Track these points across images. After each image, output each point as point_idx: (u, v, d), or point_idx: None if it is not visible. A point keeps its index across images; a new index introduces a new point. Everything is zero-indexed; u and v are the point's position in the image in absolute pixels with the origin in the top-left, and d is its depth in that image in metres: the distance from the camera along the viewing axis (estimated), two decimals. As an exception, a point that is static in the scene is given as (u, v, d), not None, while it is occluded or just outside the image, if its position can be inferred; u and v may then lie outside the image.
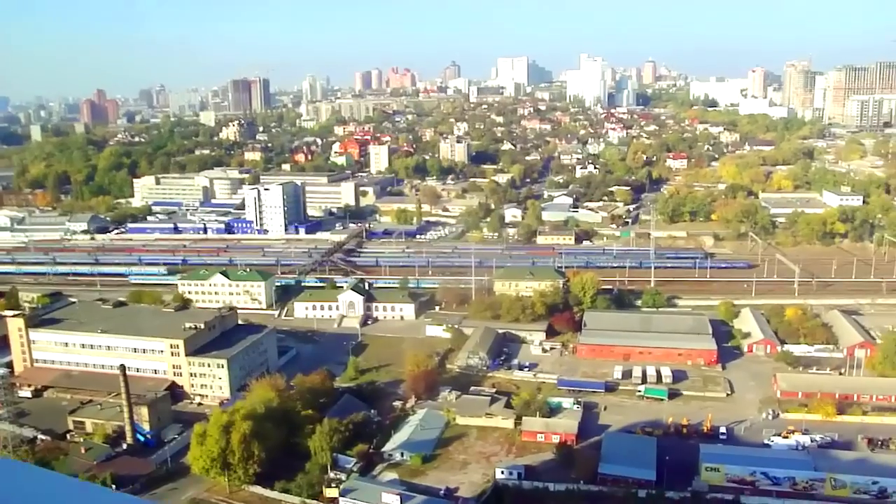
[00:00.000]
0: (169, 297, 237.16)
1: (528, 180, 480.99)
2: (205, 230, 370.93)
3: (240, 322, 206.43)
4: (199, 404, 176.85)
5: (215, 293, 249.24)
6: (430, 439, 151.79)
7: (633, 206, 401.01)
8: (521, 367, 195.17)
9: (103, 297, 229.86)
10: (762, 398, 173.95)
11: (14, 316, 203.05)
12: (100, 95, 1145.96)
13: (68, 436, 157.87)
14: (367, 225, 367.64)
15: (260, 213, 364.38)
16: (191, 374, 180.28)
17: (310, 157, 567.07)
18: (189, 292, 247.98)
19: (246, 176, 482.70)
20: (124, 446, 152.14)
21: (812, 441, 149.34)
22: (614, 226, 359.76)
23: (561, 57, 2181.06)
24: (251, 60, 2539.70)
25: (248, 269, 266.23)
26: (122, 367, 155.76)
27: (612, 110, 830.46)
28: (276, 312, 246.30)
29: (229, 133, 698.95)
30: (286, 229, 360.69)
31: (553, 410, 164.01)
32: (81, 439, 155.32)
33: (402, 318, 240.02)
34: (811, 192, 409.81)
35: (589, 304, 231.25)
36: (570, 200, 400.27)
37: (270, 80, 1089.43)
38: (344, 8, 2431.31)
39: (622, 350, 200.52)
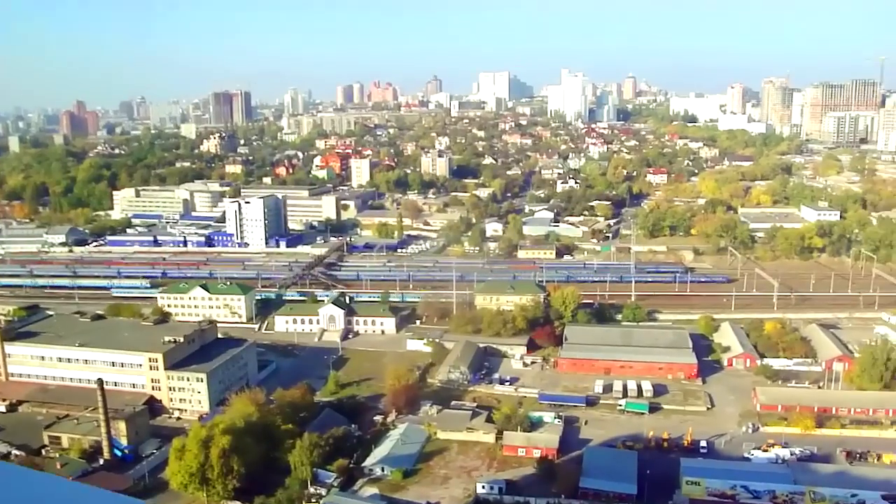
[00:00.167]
0: (148, 311, 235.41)
1: (509, 195, 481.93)
2: (185, 243, 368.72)
3: (220, 336, 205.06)
4: (178, 419, 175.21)
5: (195, 306, 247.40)
6: (410, 454, 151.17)
7: (614, 220, 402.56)
8: (502, 382, 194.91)
9: (81, 311, 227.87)
10: (742, 412, 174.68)
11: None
12: (79, 107, 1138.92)
13: (44, 451, 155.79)
14: (348, 239, 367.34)
15: (241, 226, 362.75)
16: (170, 389, 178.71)
17: (291, 171, 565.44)
18: (168, 305, 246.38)
19: (227, 189, 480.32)
20: (101, 461, 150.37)
21: (792, 454, 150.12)
22: (595, 240, 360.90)
23: (542, 72, 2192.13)
24: (233, 73, 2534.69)
25: (228, 283, 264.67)
26: (100, 381, 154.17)
27: (593, 125, 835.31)
28: (257, 326, 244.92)
29: (210, 146, 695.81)
30: (267, 243, 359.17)
31: (534, 425, 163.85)
32: (57, 455, 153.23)
33: (382, 332, 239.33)
34: (789, 207, 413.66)
35: (570, 318, 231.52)
36: (550, 215, 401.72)
37: (252, 93, 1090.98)
38: (326, 22, 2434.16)
39: (603, 364, 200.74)
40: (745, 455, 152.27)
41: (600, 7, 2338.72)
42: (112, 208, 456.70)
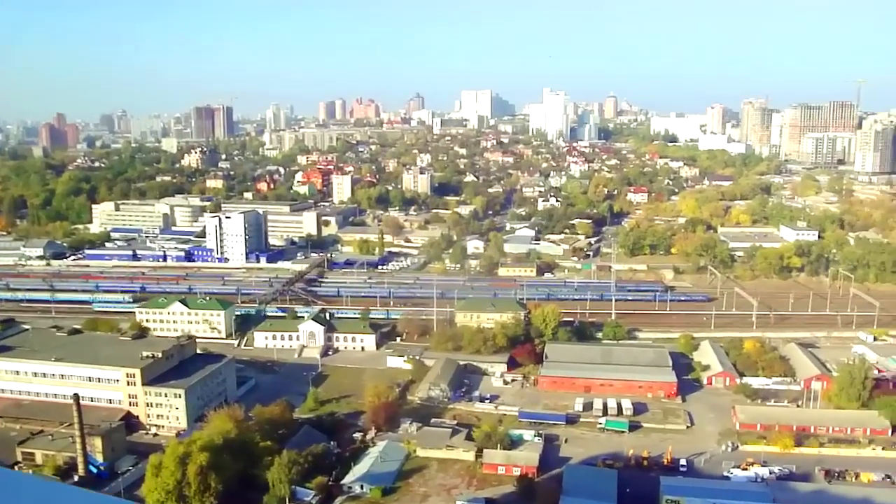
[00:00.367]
0: (126, 326, 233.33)
1: (490, 212, 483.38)
2: (164, 258, 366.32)
3: (198, 351, 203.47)
4: (155, 435, 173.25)
5: (174, 322, 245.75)
6: (390, 471, 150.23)
7: (595, 239, 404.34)
8: (482, 399, 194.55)
9: (58, 325, 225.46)
10: (721, 430, 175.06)
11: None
12: (59, 119, 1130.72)
13: (16, 467, 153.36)
14: (328, 255, 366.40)
15: (221, 241, 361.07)
16: (147, 404, 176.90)
17: (272, 186, 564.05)
18: (147, 320, 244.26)
19: (207, 204, 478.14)
20: (76, 478, 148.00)
21: (771, 473, 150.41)
22: (576, 258, 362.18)
23: (524, 91, 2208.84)
24: (215, 88, 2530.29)
25: (207, 298, 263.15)
26: (76, 397, 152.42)
27: (574, 144, 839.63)
28: (236, 342, 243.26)
29: (191, 160, 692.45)
30: (247, 258, 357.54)
31: (514, 443, 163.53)
32: (31, 471, 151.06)
33: (363, 348, 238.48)
34: (768, 226, 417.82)
35: (550, 336, 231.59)
36: (531, 233, 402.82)
37: (234, 107, 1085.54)
38: (309, 38, 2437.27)
39: (583, 382, 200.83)
40: (725, 474, 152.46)
41: (582, 27, 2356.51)
42: (91, 222, 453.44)
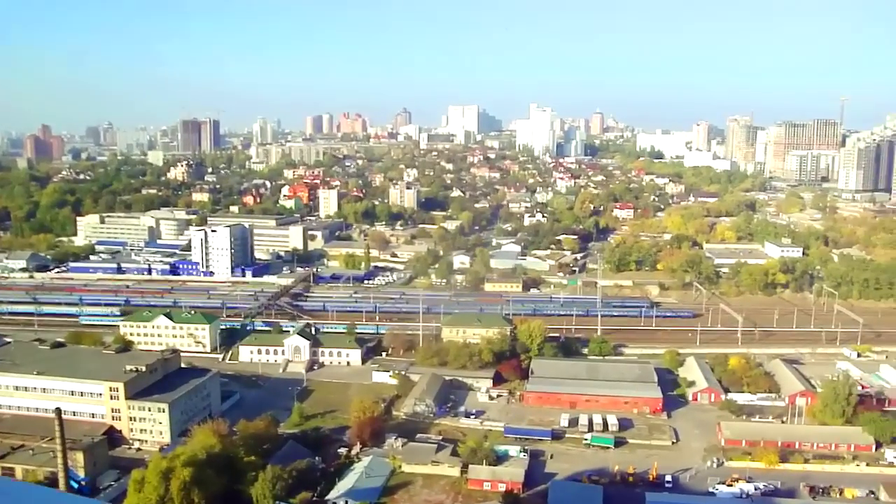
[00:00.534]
0: (110, 339, 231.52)
1: (476, 227, 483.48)
2: (149, 271, 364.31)
3: (183, 365, 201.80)
4: (138, 449, 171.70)
5: (158, 335, 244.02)
6: (374, 487, 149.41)
7: (581, 254, 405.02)
8: (467, 415, 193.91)
9: (41, 338, 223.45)
10: (707, 446, 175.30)
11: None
12: (45, 131, 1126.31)
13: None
14: (314, 269, 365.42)
15: (206, 254, 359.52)
16: (130, 419, 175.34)
17: (258, 200, 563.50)
18: (131, 334, 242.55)
19: (193, 217, 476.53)
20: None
21: (756, 489, 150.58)
22: (562, 274, 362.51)
23: (511, 106, 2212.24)
24: (202, 101, 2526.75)
25: (192, 312, 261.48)
26: (58, 411, 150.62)
27: (561, 160, 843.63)
28: (221, 356, 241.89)
29: (177, 173, 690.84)
30: (233, 272, 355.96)
31: (499, 458, 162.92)
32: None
33: (348, 363, 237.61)
34: (753, 243, 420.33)
35: (536, 351, 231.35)
36: (518, 248, 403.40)
37: (221, 121, 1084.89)
38: (297, 52, 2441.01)
39: (569, 398, 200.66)
40: (710, 490, 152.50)
41: (569, 44, 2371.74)
42: (76, 234, 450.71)
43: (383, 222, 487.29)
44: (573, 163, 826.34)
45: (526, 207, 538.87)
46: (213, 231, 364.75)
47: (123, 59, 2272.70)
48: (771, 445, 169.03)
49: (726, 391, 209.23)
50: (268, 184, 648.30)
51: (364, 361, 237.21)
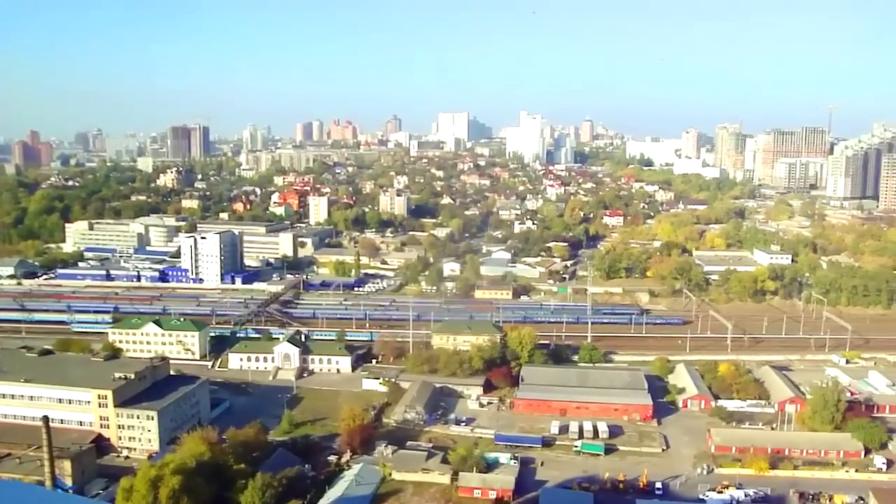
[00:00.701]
0: (99, 346, 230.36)
1: (466, 235, 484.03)
2: (138, 278, 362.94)
3: (172, 373, 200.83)
4: (127, 458, 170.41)
5: (147, 342, 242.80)
6: (365, 495, 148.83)
7: (571, 261, 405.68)
8: (458, 422, 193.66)
9: (28, 345, 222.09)
10: (697, 453, 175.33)
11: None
12: (33, 137, 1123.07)
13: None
14: (304, 276, 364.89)
15: (196, 261, 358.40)
16: (119, 426, 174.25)
17: (248, 207, 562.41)
18: (120, 341, 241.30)
19: (182, 224, 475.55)
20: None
21: (746, 496, 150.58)
22: (552, 281, 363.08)
23: (501, 113, 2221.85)
24: (192, 108, 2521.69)
25: (182, 319, 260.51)
26: (45, 419, 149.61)
27: (551, 167, 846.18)
28: (210, 363, 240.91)
29: (167, 180, 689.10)
30: (222, 279, 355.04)
31: (490, 466, 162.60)
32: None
33: (338, 370, 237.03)
34: (742, 250, 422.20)
35: (526, 358, 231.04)
36: (508, 255, 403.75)
37: (210, 128, 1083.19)
38: (287, 58, 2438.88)
39: (559, 405, 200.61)
40: (700, 496, 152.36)
41: (558, 52, 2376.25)
42: (64, 241, 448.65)
43: (373, 229, 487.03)
44: (563, 170, 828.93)
45: (516, 215, 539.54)
46: (202, 238, 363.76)
47: (113, 65, 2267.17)
48: (761, 452, 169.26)
49: (716, 398, 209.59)
50: (258, 191, 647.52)
51: (354, 369, 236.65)
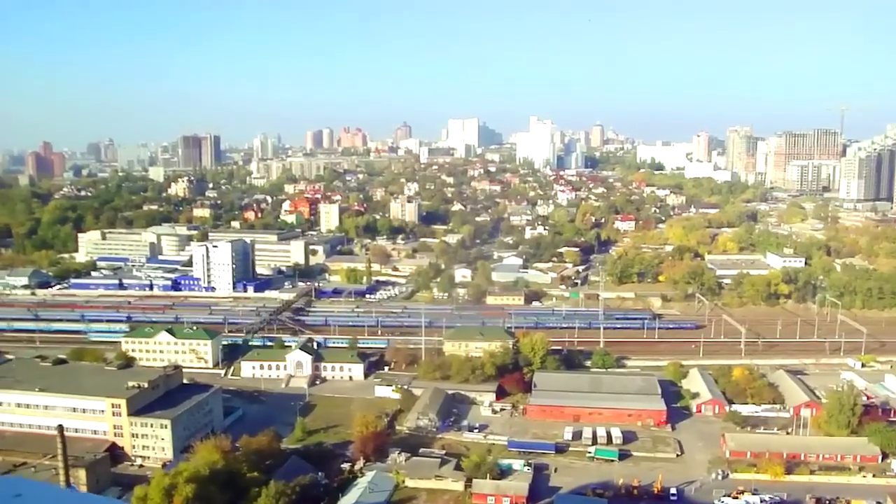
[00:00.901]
0: (112, 355, 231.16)
1: (478, 241, 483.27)
2: (151, 287, 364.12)
3: (185, 381, 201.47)
4: (141, 466, 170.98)
5: (160, 351, 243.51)
6: (378, 502, 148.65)
7: (582, 267, 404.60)
8: (470, 429, 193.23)
9: (42, 355, 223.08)
10: (711, 458, 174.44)
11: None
12: (46, 148, 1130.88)
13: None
14: (316, 284, 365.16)
15: (208, 270, 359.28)
16: (132, 435, 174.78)
17: (259, 215, 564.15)
18: (133, 350, 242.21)
19: (194, 232, 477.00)
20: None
21: (761, 501, 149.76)
22: (564, 287, 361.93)
23: (511, 119, 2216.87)
24: (202, 117, 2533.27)
25: (194, 327, 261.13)
26: (60, 428, 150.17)
27: (561, 172, 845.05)
28: (223, 372, 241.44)
29: (178, 189, 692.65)
30: (234, 287, 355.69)
31: (503, 472, 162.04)
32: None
33: (350, 378, 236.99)
34: (755, 254, 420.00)
35: (539, 364, 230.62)
36: (519, 261, 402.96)
37: (221, 136, 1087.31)
38: (296, 66, 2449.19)
39: (572, 411, 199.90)
40: (716, 502, 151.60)
41: (568, 56, 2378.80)
42: (77, 251, 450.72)
43: (384, 236, 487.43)
44: (574, 175, 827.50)
45: (527, 220, 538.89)
46: (214, 246, 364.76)
47: (124, 75, 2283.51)
48: (776, 457, 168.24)
49: (730, 403, 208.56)
50: (269, 199, 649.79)
51: (366, 376, 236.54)
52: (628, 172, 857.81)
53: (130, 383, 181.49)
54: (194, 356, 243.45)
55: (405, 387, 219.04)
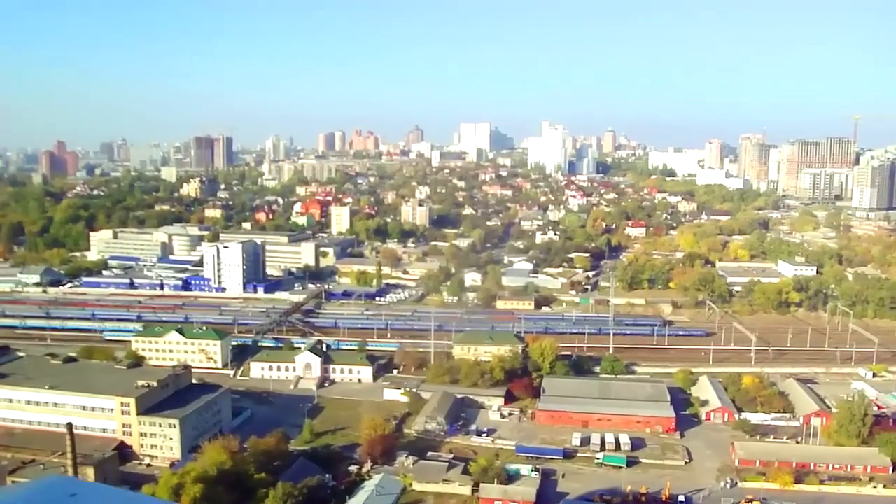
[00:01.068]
0: (122, 354, 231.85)
1: (488, 245, 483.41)
2: (161, 286, 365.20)
3: (194, 381, 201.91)
4: (149, 465, 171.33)
5: (170, 351, 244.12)
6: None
7: (593, 272, 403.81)
8: (479, 433, 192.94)
9: (53, 353, 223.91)
10: (720, 466, 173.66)
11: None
12: (60, 147, 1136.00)
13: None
14: (326, 286, 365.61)
15: (218, 270, 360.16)
16: (141, 434, 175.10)
17: (271, 217, 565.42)
18: (143, 349, 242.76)
19: (205, 233, 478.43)
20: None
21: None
22: (574, 292, 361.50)
23: (523, 124, 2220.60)
24: (215, 118, 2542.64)
25: (204, 328, 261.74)
26: (69, 426, 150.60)
27: (573, 178, 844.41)
28: (232, 372, 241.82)
29: (190, 189, 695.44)
30: (244, 288, 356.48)
31: (511, 477, 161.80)
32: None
33: (359, 380, 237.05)
34: (767, 261, 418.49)
35: (548, 369, 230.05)
36: (530, 266, 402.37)
37: (234, 138, 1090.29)
38: (309, 69, 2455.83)
39: (581, 417, 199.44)
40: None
41: (581, 61, 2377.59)
42: (89, 249, 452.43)
43: (395, 239, 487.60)
44: (585, 181, 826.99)
45: (538, 225, 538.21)
46: (225, 247, 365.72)
47: (137, 75, 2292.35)
48: (785, 466, 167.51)
49: (740, 411, 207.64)
50: (280, 200, 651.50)
51: (375, 378, 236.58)
52: (640, 178, 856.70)
53: (140, 382, 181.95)
54: (204, 356, 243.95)
55: (414, 390, 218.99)
